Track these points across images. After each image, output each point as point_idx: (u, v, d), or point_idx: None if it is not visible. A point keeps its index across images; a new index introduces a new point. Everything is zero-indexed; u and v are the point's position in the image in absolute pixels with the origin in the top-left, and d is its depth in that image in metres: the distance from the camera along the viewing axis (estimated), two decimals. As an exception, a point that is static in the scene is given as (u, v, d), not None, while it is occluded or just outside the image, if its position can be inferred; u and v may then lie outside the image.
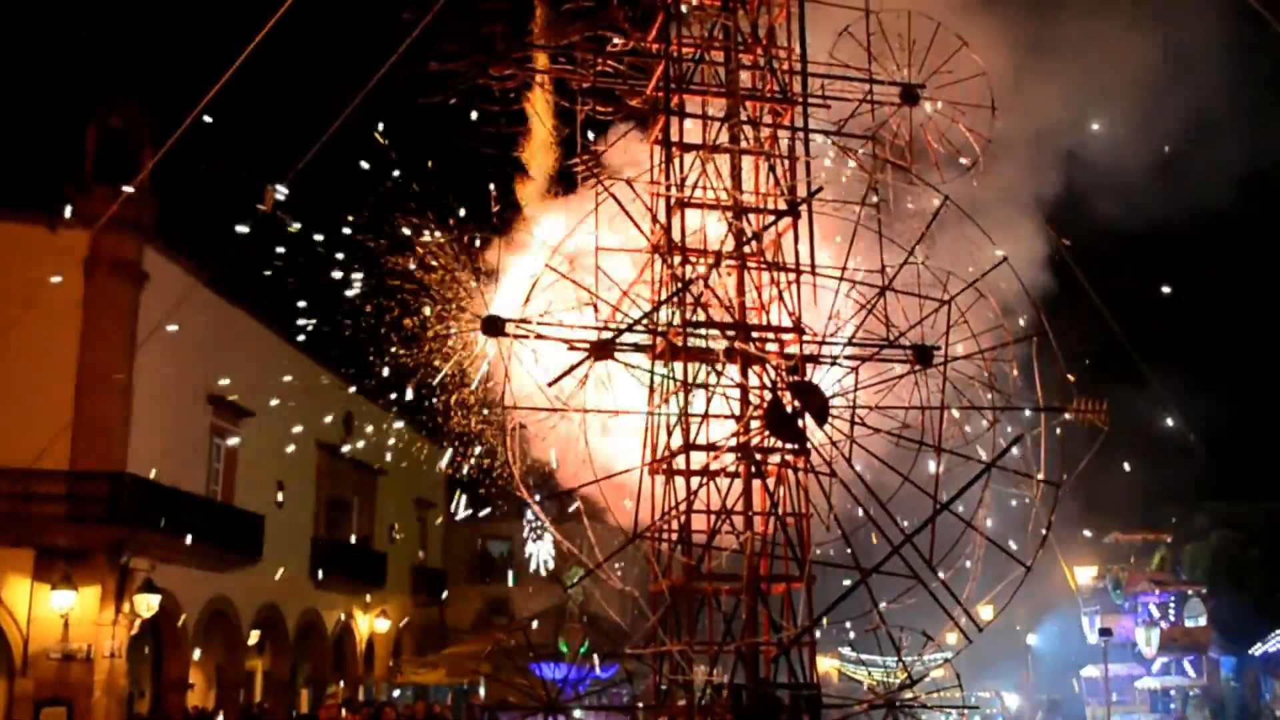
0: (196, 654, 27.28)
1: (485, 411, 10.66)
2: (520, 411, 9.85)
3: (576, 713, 10.19)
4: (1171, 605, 35.27)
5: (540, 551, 41.10)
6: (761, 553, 9.70)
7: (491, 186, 10.32)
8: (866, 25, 10.69)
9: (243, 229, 11.24)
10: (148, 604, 23.20)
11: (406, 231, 10.34)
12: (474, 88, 10.18)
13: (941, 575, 9.13)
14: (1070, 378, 10.09)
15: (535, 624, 25.55)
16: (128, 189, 20.18)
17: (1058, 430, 10.00)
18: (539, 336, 9.33)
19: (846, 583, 9.31)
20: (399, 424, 37.47)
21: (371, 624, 36.94)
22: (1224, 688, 36.10)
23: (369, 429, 36.24)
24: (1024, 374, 10.22)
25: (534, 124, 10.83)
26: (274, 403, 29.53)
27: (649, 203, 10.08)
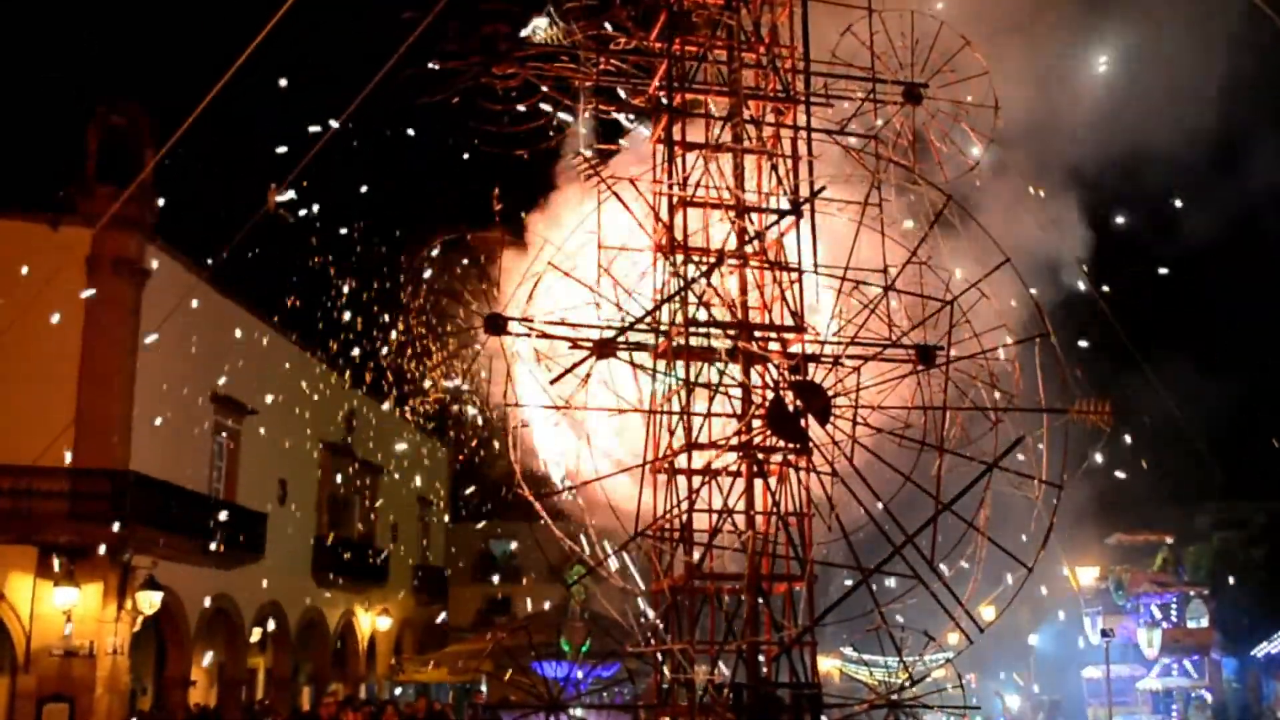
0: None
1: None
2: (522, 410, 9.85)
3: (578, 711, 10.19)
4: (1173, 606, 35.22)
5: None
6: (763, 552, 9.70)
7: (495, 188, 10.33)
8: (869, 24, 10.69)
9: (245, 227, 11.25)
10: (150, 601, 23.24)
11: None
12: (477, 87, 10.18)
13: (943, 575, 9.13)
14: (1076, 375, 10.09)
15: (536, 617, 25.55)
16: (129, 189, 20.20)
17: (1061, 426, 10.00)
18: (541, 335, 9.33)
19: (848, 582, 9.31)
20: (402, 422, 37.64)
21: (373, 622, 36.98)
22: (1226, 689, 36.06)
23: (371, 427, 36.35)
24: (1028, 374, 10.22)
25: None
26: (276, 400, 29.60)
27: (652, 201, 10.07)
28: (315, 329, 29.79)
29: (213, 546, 25.49)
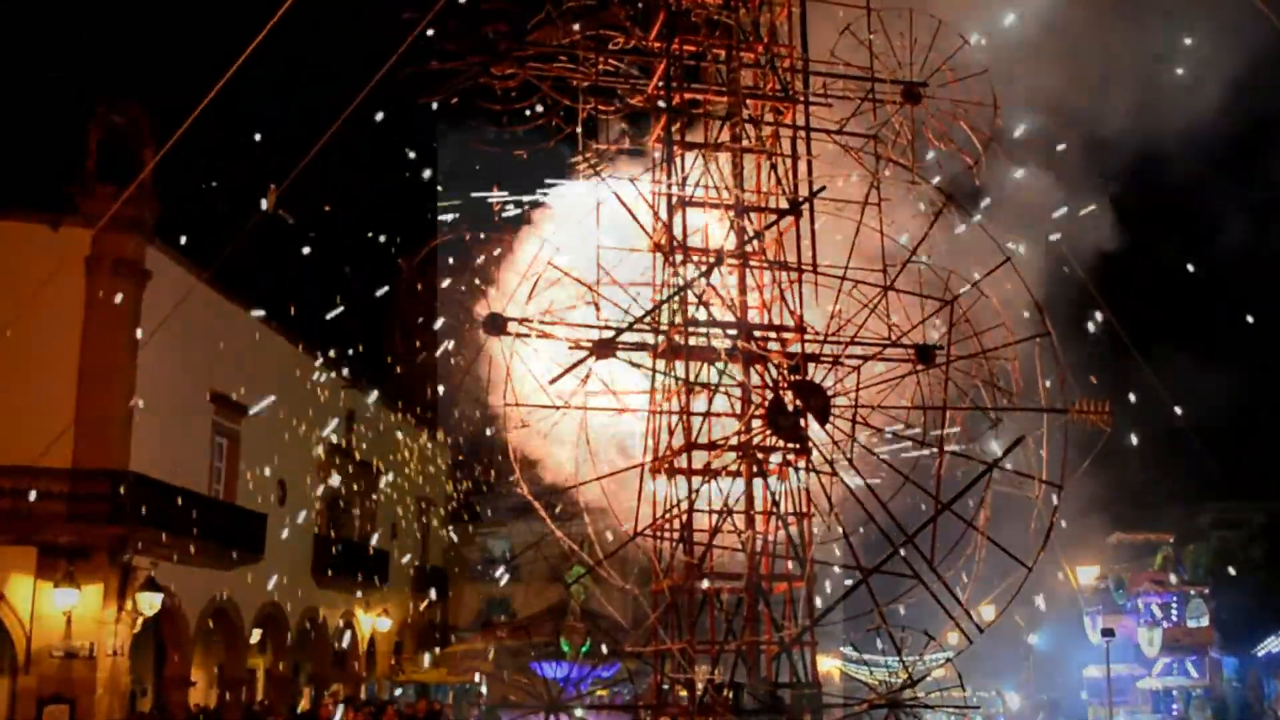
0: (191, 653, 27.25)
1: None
2: (521, 409, 9.85)
3: (578, 712, 10.18)
4: (1174, 605, 35.23)
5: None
6: (763, 551, 9.70)
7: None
8: (868, 24, 10.68)
9: (245, 228, 11.24)
10: (150, 602, 23.21)
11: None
12: (476, 86, 10.17)
13: (942, 575, 9.13)
14: (1070, 378, 10.08)
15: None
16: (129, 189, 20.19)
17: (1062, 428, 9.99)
18: (541, 335, 9.33)
19: (848, 582, 9.31)
20: (401, 422, 37.64)
21: (373, 622, 36.97)
22: (1226, 688, 36.06)
23: (371, 428, 36.34)
24: (1029, 373, 10.21)
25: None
26: (276, 400, 29.57)
27: (651, 201, 10.06)
28: (315, 329, 29.77)
29: (211, 547, 25.48)
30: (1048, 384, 10.02)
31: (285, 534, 29.64)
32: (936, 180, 10.71)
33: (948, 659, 10.07)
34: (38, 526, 22.30)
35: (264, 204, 10.77)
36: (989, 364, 10.19)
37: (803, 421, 9.09)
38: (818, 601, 9.73)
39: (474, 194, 10.36)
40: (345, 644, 36.08)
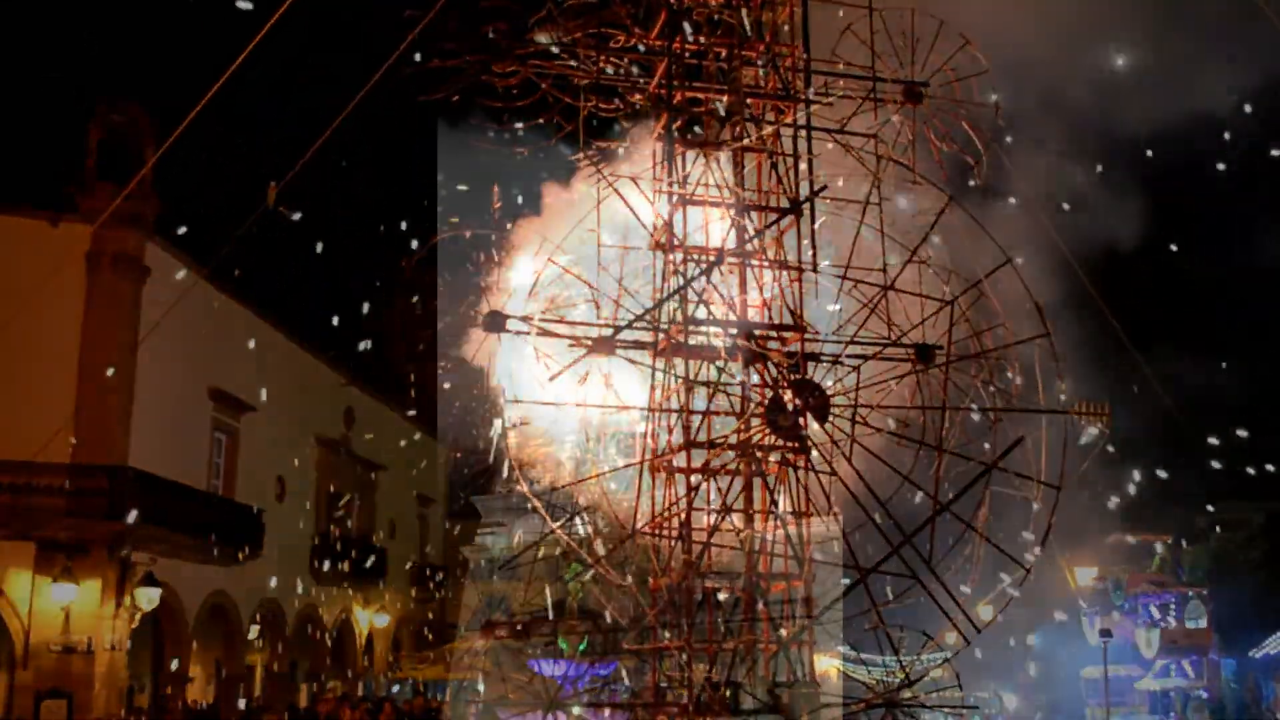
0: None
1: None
2: (521, 407, 9.85)
3: (576, 710, 10.19)
4: (1172, 607, 35.21)
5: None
6: (761, 550, 9.70)
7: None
8: (870, 23, 10.68)
9: (244, 225, 11.25)
10: (148, 598, 23.24)
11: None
12: (477, 85, 10.18)
13: (940, 576, 9.13)
14: (1060, 382, 10.09)
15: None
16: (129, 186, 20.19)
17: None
18: (541, 333, 9.33)
19: (845, 581, 9.32)
20: (400, 419, 37.65)
21: (371, 619, 36.97)
22: (1224, 689, 36.05)
23: (369, 425, 36.36)
24: (1030, 374, 10.22)
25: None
26: (275, 397, 29.60)
27: (652, 199, 10.06)
28: (314, 325, 29.77)
29: (210, 543, 25.49)
30: (1061, 382, 10.02)
31: (284, 530, 29.66)
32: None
33: (945, 659, 10.07)
34: (36, 521, 22.33)
35: (267, 200, 10.77)
36: (989, 364, 10.19)
37: (802, 420, 9.10)
38: (821, 591, 9.74)
39: (475, 192, 10.38)
40: (342, 641, 36.10)
